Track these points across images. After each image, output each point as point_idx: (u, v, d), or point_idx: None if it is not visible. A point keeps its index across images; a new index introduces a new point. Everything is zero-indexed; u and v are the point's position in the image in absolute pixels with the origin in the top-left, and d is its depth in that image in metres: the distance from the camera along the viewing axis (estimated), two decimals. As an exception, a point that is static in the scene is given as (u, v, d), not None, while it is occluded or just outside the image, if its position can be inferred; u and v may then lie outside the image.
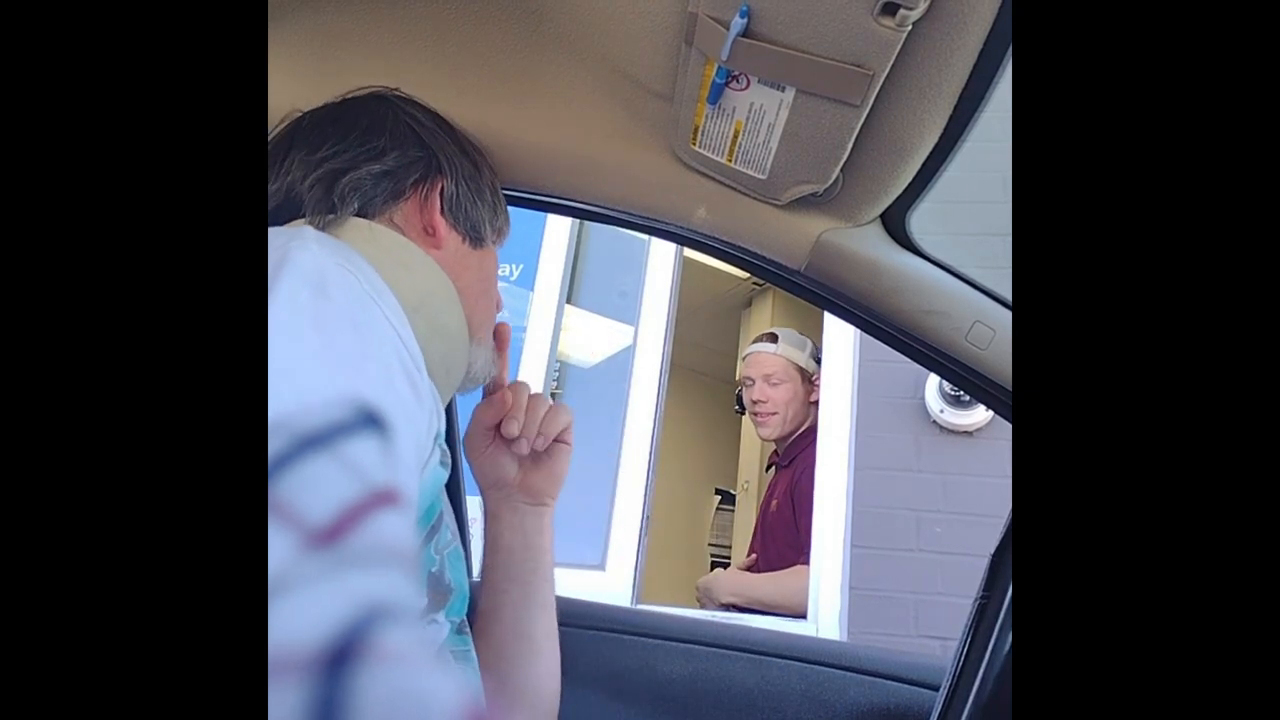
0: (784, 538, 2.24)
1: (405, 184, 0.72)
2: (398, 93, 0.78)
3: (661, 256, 2.83)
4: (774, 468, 2.45)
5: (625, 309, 2.82)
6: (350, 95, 0.77)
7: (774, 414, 2.33)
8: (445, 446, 0.68)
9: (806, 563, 2.19)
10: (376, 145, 0.72)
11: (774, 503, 2.34)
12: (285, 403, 0.41)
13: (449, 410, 1.08)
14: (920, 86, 0.65)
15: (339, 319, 0.49)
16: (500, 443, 0.83)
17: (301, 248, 0.51)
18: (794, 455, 2.35)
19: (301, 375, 0.44)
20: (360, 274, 0.53)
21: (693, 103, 0.72)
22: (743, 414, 2.52)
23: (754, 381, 2.37)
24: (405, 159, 0.73)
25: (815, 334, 2.46)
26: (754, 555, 2.38)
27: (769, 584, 2.17)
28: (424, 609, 0.66)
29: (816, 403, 2.38)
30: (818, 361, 2.40)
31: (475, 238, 0.76)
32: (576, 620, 1.11)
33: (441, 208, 0.74)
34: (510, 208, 0.91)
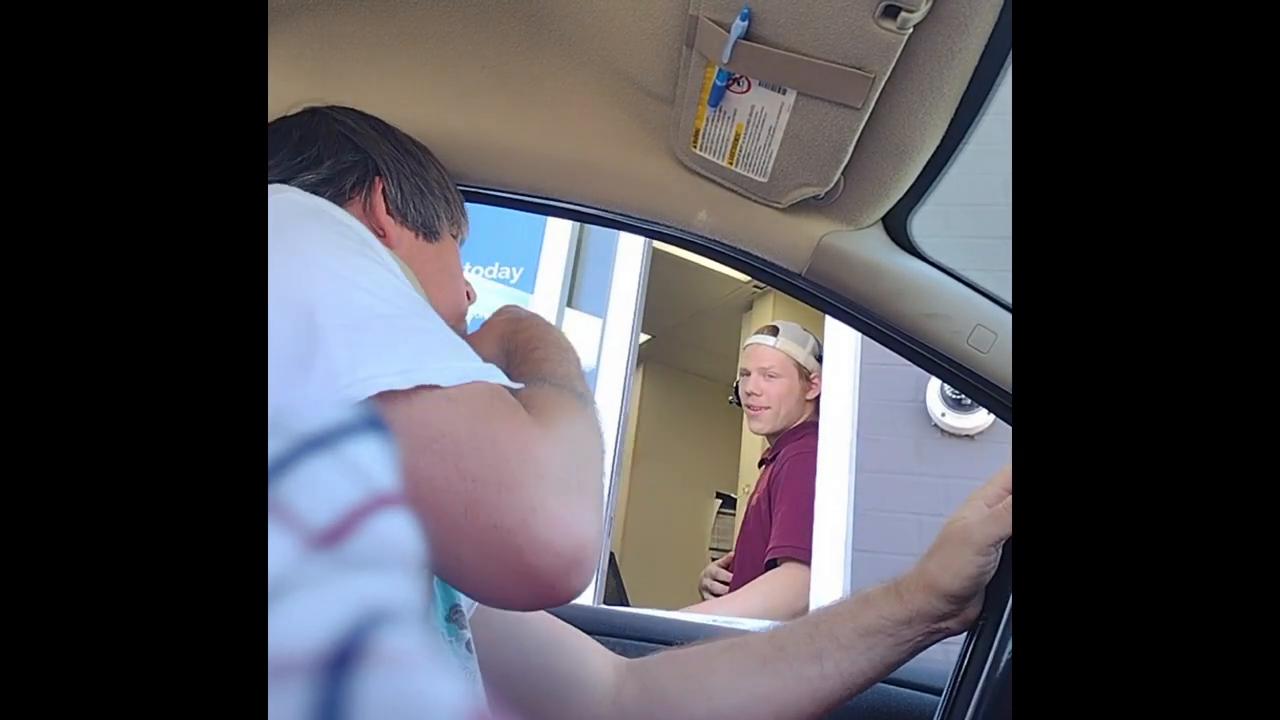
0: (759, 533, 2.17)
1: (345, 188, 0.72)
2: (330, 105, 0.78)
3: (629, 250, 2.79)
4: (764, 464, 2.39)
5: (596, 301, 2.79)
6: (284, 115, 0.77)
7: (766, 408, 2.27)
8: None
9: (789, 557, 2.09)
10: (309, 155, 0.72)
11: (756, 498, 2.30)
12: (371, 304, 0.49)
13: None
14: (921, 89, 0.65)
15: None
16: None
17: (302, 196, 0.58)
18: (778, 450, 2.29)
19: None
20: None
21: (693, 105, 0.72)
22: (738, 405, 2.46)
23: (750, 374, 2.32)
24: (340, 164, 0.72)
25: (816, 336, 2.43)
26: (732, 554, 2.34)
27: (755, 594, 2.09)
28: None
29: (813, 400, 2.34)
30: (819, 359, 2.36)
31: (429, 232, 0.76)
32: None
33: (386, 208, 0.73)
34: (510, 210, 0.91)
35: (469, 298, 0.81)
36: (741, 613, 2.00)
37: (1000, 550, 0.75)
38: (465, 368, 0.50)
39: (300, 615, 0.23)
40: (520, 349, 0.69)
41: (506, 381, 0.53)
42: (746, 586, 2.11)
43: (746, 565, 2.18)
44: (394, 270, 0.55)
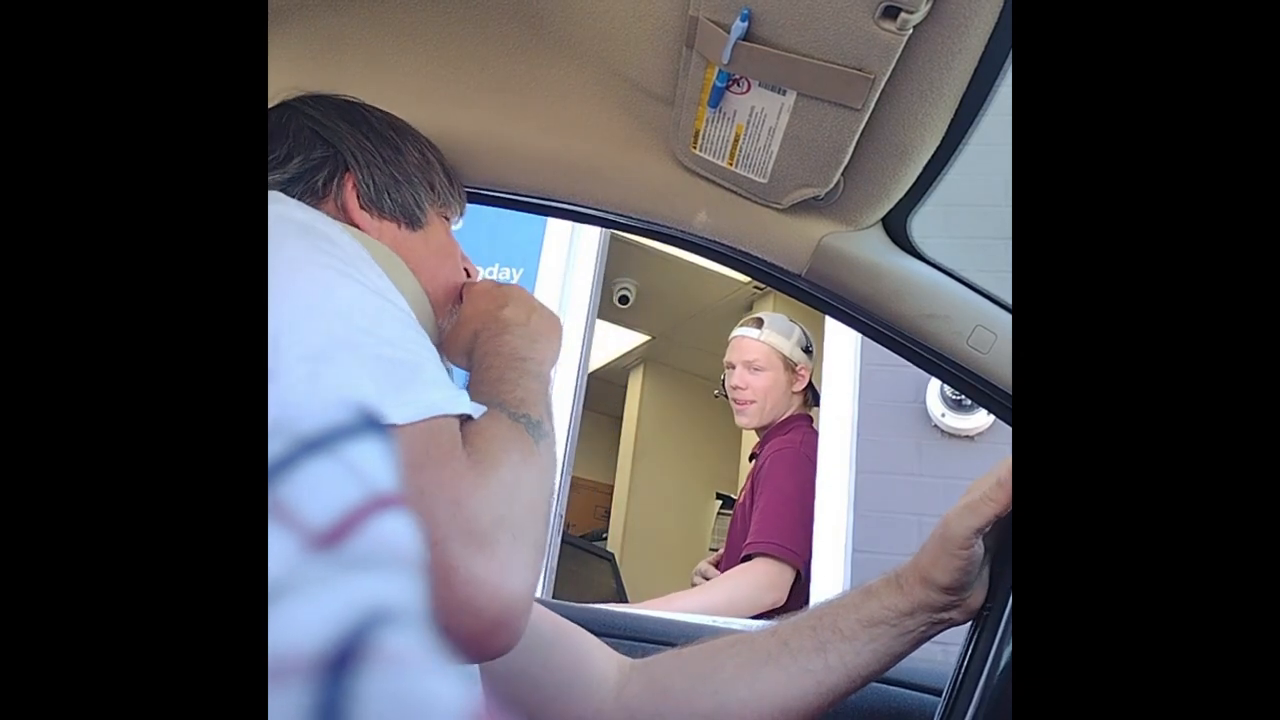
0: (744, 530, 2.14)
1: (316, 186, 0.72)
2: (304, 95, 0.77)
3: (587, 240, 2.77)
4: (753, 459, 2.34)
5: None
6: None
7: (752, 402, 2.23)
8: None
9: (765, 553, 2.04)
10: (278, 154, 0.72)
11: (742, 495, 2.26)
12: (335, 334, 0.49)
13: None
14: (921, 90, 0.65)
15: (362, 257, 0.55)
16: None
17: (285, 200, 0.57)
18: (764, 446, 2.25)
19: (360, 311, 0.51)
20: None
21: (693, 106, 0.72)
22: (725, 398, 2.43)
23: (735, 367, 2.27)
24: (309, 162, 0.72)
25: (816, 338, 2.41)
26: (720, 550, 2.32)
27: (720, 589, 2.04)
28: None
29: (800, 393, 2.27)
30: (806, 351, 2.31)
31: (410, 220, 0.75)
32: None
33: (359, 202, 0.72)
34: (511, 212, 0.91)
35: (468, 274, 0.80)
36: (706, 605, 1.97)
37: (982, 541, 0.75)
38: (423, 401, 0.50)
39: (301, 615, 0.23)
40: (479, 364, 0.67)
41: (464, 408, 0.53)
42: (713, 580, 2.09)
43: (733, 563, 2.17)
44: (376, 288, 0.54)
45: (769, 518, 2.09)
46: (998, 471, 0.75)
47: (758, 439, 2.34)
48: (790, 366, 2.25)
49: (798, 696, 0.76)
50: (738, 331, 2.35)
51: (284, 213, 0.56)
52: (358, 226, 0.72)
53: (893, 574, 0.79)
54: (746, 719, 0.76)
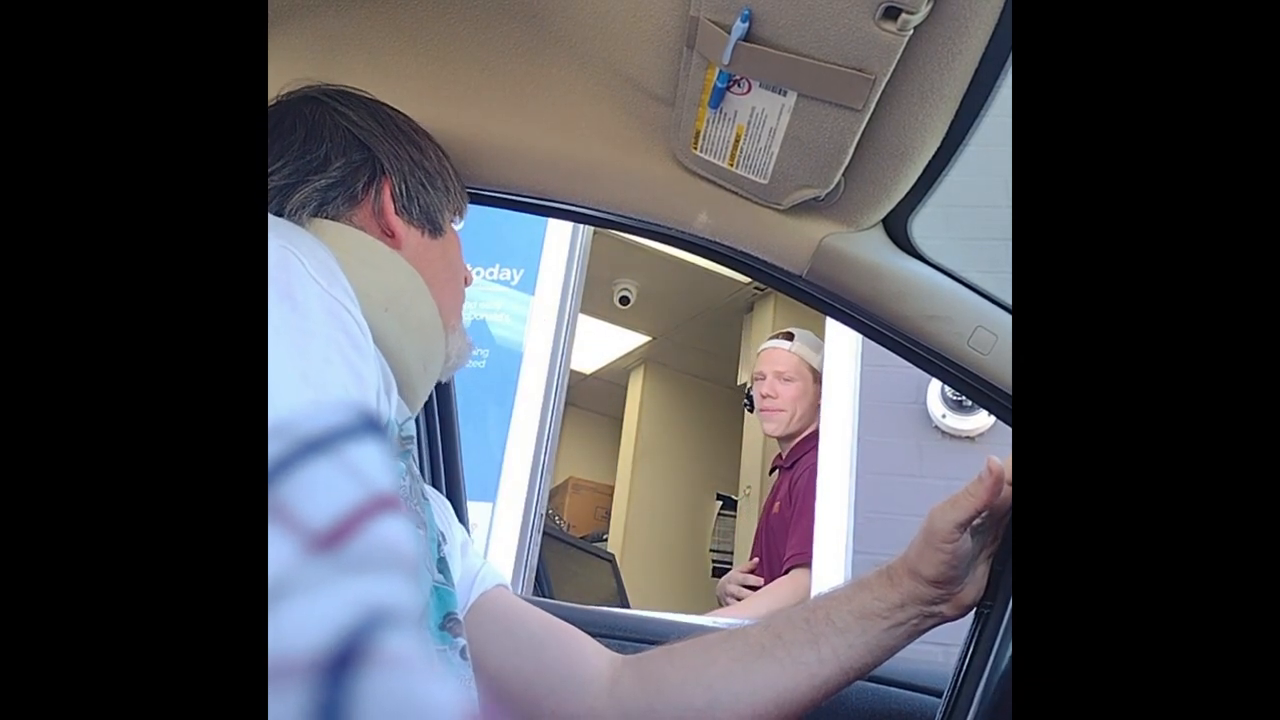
0: (783, 540, 2.25)
1: (356, 189, 0.71)
2: (327, 88, 0.76)
3: (558, 233, 2.76)
4: (777, 470, 2.46)
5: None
6: (280, 99, 0.75)
7: (781, 411, 2.35)
8: (411, 435, 0.67)
9: (804, 564, 2.16)
10: (318, 154, 0.71)
11: (775, 505, 2.34)
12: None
13: (446, 402, 1.09)
14: (922, 91, 0.65)
15: (276, 295, 0.48)
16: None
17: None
18: (797, 458, 2.35)
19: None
20: (305, 254, 0.52)
21: (694, 107, 0.72)
22: (752, 410, 2.52)
23: (765, 377, 2.39)
24: (350, 165, 0.71)
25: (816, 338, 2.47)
26: (755, 559, 2.37)
27: (763, 600, 2.13)
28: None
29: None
30: None
31: (433, 228, 0.75)
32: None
33: (394, 208, 0.72)
34: (511, 212, 0.91)
35: (466, 281, 0.81)
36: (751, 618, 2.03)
37: (969, 536, 0.75)
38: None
39: (301, 617, 0.23)
40: None
41: None
42: (754, 595, 2.18)
43: (774, 570, 2.25)
44: (289, 326, 0.48)
45: (808, 530, 2.22)
46: (983, 468, 0.76)
47: (779, 448, 2.45)
48: (818, 379, 2.37)
49: (790, 689, 0.76)
50: (768, 344, 2.49)
51: None
52: (391, 231, 0.72)
53: (885, 567, 0.80)
54: (740, 712, 0.76)
